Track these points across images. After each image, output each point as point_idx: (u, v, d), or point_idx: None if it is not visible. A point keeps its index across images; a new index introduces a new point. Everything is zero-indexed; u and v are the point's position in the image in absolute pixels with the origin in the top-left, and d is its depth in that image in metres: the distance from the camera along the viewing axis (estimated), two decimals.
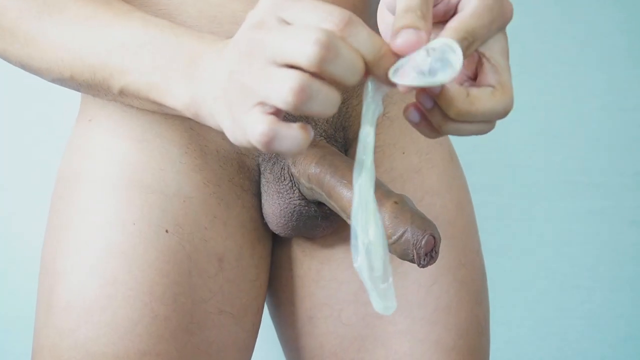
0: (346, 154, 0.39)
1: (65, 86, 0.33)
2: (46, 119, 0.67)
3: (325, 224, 0.39)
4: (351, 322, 0.40)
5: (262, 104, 0.24)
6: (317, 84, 0.23)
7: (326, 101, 0.24)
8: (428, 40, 0.24)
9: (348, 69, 0.23)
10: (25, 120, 0.67)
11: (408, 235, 0.31)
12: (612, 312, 0.82)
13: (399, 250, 0.32)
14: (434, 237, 0.31)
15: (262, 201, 0.39)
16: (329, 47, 0.23)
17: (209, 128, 0.37)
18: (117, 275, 0.33)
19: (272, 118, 0.24)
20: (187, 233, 0.35)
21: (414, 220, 0.31)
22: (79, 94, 0.39)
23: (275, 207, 0.38)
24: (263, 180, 0.38)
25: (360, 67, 0.23)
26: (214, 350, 0.35)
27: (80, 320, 0.33)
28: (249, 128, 0.24)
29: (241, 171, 0.38)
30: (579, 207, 0.81)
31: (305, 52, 0.23)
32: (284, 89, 0.23)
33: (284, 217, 0.38)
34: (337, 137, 0.38)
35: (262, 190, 0.38)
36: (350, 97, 0.39)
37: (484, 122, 0.27)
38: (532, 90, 0.80)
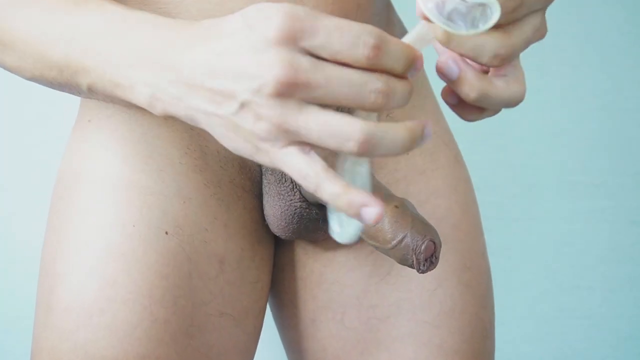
0: None
1: (43, 85, 0.32)
2: (46, 119, 0.66)
3: (326, 226, 0.37)
4: (354, 325, 0.39)
5: (300, 142, 0.23)
6: (381, 131, 0.23)
7: (392, 144, 0.23)
8: None
9: (403, 98, 0.23)
10: (25, 121, 0.67)
11: (408, 240, 0.31)
12: (612, 312, 0.82)
13: (399, 255, 0.31)
14: (434, 243, 0.31)
15: (264, 202, 0.38)
16: (388, 92, 0.23)
17: None
18: (116, 278, 0.33)
19: (321, 166, 0.23)
20: (187, 235, 0.35)
21: (414, 224, 0.31)
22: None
23: (276, 209, 0.38)
24: (264, 181, 0.38)
25: (409, 92, 0.24)
26: (214, 353, 0.35)
27: (80, 323, 0.33)
28: (288, 165, 0.24)
29: (242, 172, 0.37)
30: (579, 207, 0.81)
31: (372, 102, 0.22)
32: (350, 139, 0.23)
33: (285, 219, 0.38)
34: None
35: (264, 192, 0.38)
36: None
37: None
38: (532, 90, 0.79)
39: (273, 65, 0.22)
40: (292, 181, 0.37)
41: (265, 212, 0.38)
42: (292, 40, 0.22)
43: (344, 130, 0.23)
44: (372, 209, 0.23)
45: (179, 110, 0.26)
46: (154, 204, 0.34)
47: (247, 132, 0.24)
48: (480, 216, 0.42)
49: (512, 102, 0.27)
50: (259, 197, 0.39)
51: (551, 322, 0.81)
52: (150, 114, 0.35)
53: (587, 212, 0.81)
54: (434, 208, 0.39)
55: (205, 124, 0.25)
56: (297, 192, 0.37)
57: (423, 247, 0.31)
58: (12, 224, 0.67)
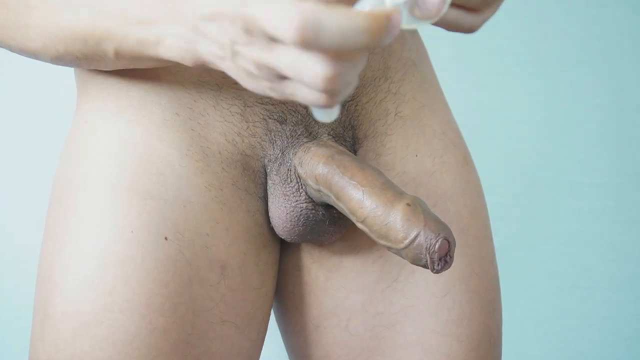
0: (355, 154, 0.38)
1: (68, 63, 0.32)
2: (46, 119, 0.66)
3: (333, 228, 0.37)
4: (359, 332, 0.38)
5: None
6: (339, 65, 0.23)
7: (352, 73, 0.24)
8: None
9: (342, 37, 0.22)
10: (25, 121, 0.66)
11: (421, 238, 0.30)
12: (612, 312, 0.82)
13: (412, 254, 0.30)
14: (448, 241, 0.30)
15: (268, 204, 0.37)
16: (306, 26, 0.22)
17: (211, 129, 0.36)
18: (114, 286, 0.32)
19: (325, 95, 0.23)
20: (187, 240, 0.33)
21: (427, 222, 0.30)
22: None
23: (281, 211, 0.36)
24: (269, 182, 0.37)
25: (359, 25, 0.22)
26: None
27: (76, 333, 0.31)
28: (305, 99, 0.24)
29: (245, 174, 0.36)
30: (579, 207, 0.81)
31: (285, 33, 0.22)
32: (312, 77, 0.23)
33: (290, 221, 0.37)
34: (345, 137, 0.37)
35: (268, 193, 0.37)
36: (360, 94, 0.37)
37: None
38: (532, 90, 0.80)
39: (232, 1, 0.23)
40: (297, 181, 0.36)
41: (270, 214, 0.37)
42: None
43: (307, 70, 0.23)
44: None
45: (203, 55, 0.26)
46: (153, 209, 0.33)
47: (249, 72, 0.25)
48: (489, 220, 0.41)
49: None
50: (263, 199, 0.37)
51: (551, 322, 0.81)
52: (149, 115, 0.34)
53: (587, 212, 0.81)
54: (442, 212, 0.38)
55: (223, 67, 0.26)
56: (303, 193, 0.36)
57: (437, 245, 0.29)
58: (12, 224, 0.66)
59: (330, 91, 0.23)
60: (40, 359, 0.33)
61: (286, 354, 0.44)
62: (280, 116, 0.36)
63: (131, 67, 0.32)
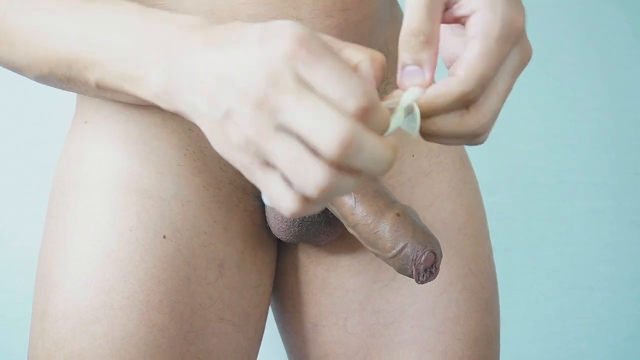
0: None
1: (51, 84, 0.32)
2: (46, 119, 0.66)
3: (329, 229, 0.38)
4: (356, 331, 0.39)
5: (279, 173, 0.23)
6: (342, 179, 0.22)
7: (348, 188, 0.22)
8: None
9: (373, 162, 0.22)
10: (25, 120, 0.67)
11: (408, 250, 0.31)
12: (612, 312, 0.82)
13: (398, 264, 0.31)
14: (435, 254, 0.31)
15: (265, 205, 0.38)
16: (352, 144, 0.21)
17: None
18: (112, 284, 0.32)
19: (301, 203, 0.23)
20: (185, 238, 0.34)
21: (415, 234, 0.31)
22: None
23: (277, 212, 0.37)
24: None
25: (388, 157, 0.22)
26: (213, 359, 0.34)
27: (76, 331, 0.32)
28: (265, 189, 0.23)
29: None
30: (579, 207, 0.81)
31: (327, 144, 0.21)
32: (309, 182, 0.21)
33: (286, 222, 0.37)
34: None
35: None
36: None
37: (462, 139, 0.26)
38: (532, 90, 0.80)
39: (259, 75, 0.22)
40: None
41: (266, 214, 0.38)
42: (294, 61, 0.22)
43: (309, 174, 0.22)
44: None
45: (180, 103, 0.25)
46: (151, 208, 0.33)
47: (230, 141, 0.24)
48: (487, 220, 0.42)
49: (469, 137, 0.26)
50: (260, 198, 0.38)
51: (551, 322, 0.81)
52: (149, 114, 0.35)
53: (587, 212, 0.81)
54: (439, 211, 0.38)
55: (199, 122, 0.25)
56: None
57: (423, 257, 0.30)
58: (12, 224, 0.66)
59: (314, 201, 0.22)
60: (39, 357, 0.33)
61: (284, 352, 0.44)
62: None
63: (111, 99, 0.31)
